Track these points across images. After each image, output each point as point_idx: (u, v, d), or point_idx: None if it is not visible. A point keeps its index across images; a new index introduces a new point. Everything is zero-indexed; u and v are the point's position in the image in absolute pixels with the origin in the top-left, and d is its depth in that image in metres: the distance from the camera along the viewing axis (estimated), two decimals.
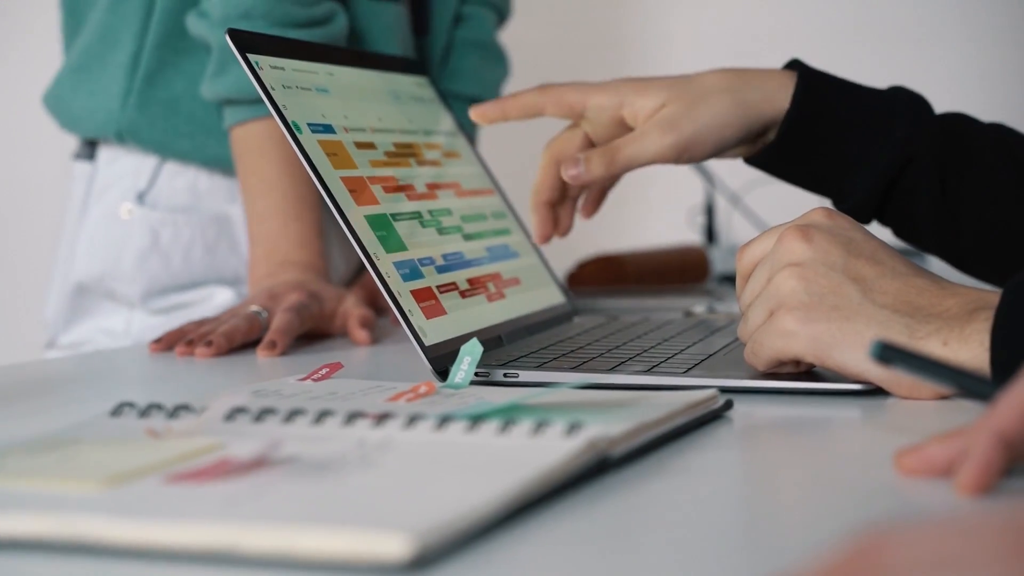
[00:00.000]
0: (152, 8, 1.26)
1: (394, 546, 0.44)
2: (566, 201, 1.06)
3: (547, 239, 1.05)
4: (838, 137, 0.99)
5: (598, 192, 1.08)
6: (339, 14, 1.22)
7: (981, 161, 0.99)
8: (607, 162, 0.98)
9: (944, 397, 0.73)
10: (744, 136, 0.98)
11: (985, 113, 1.02)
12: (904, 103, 0.99)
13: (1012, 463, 0.53)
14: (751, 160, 1.02)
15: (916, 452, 0.54)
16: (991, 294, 0.72)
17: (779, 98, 0.98)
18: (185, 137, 1.27)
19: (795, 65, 1.01)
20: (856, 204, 1.00)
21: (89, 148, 1.33)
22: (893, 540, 0.32)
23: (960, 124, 1.00)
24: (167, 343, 1.03)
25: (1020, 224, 0.98)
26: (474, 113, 1.02)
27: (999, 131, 1.00)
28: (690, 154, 0.98)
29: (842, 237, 0.75)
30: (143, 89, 1.27)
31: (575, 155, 0.99)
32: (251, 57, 0.87)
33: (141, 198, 1.29)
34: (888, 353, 0.56)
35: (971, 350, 0.70)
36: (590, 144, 1.02)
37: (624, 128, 1.01)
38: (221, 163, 1.27)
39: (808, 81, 0.98)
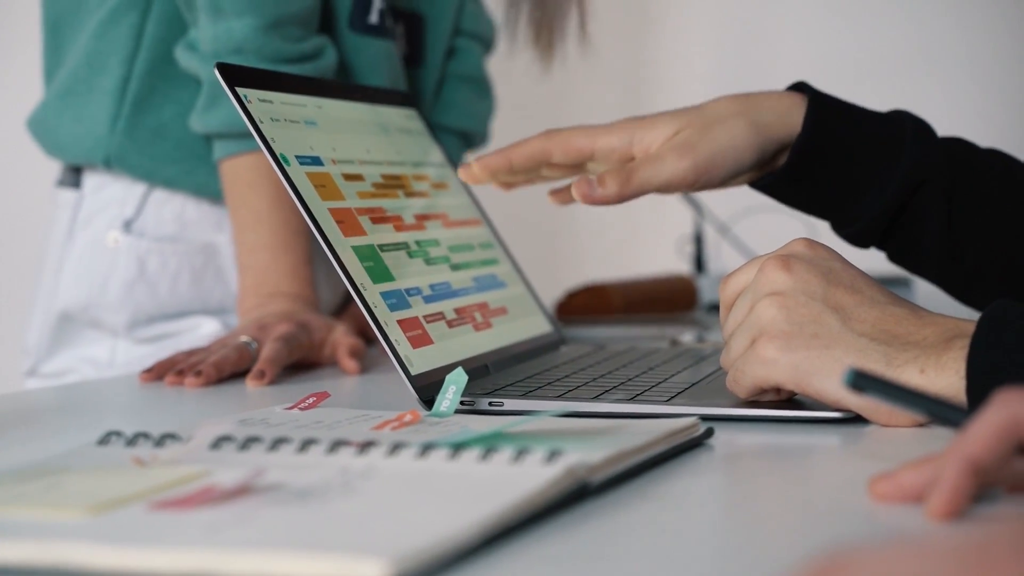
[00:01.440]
0: (142, 34, 1.26)
1: (372, 571, 0.45)
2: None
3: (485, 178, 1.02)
4: (849, 161, 0.98)
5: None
6: (328, 48, 1.23)
7: (986, 188, 0.99)
8: (622, 183, 0.95)
9: (922, 424, 0.74)
10: (760, 158, 0.97)
11: (984, 141, 1.03)
12: (911, 128, 0.99)
13: (982, 489, 0.54)
14: (757, 185, 1.01)
15: (889, 478, 0.55)
16: (967, 323, 0.73)
17: (791, 120, 0.97)
18: (174, 163, 1.26)
19: (801, 87, 1.00)
20: (862, 228, 0.99)
21: (74, 175, 1.32)
22: (852, 562, 0.33)
23: (963, 150, 1.00)
24: (157, 373, 1.03)
25: (1020, 250, 0.98)
26: (477, 166, 1.00)
27: (999, 158, 1.01)
28: (707, 177, 0.96)
29: (822, 267, 0.76)
30: (131, 115, 1.26)
31: (588, 176, 0.96)
32: (240, 91, 0.88)
33: (128, 226, 1.28)
34: (861, 381, 0.57)
35: (947, 378, 0.71)
36: (550, 162, 1.00)
37: None
38: (209, 190, 1.27)
39: (818, 103, 0.98)
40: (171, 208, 1.29)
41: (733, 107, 0.97)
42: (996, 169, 0.99)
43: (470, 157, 1.48)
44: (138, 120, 1.26)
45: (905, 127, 0.99)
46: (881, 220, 0.98)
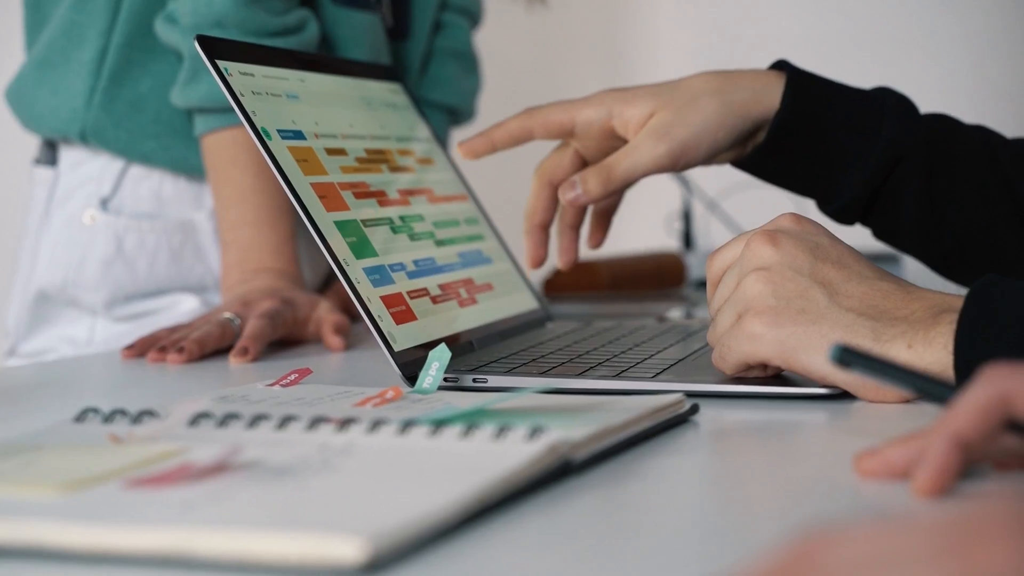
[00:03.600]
0: (119, 6, 1.24)
1: (348, 549, 0.44)
2: (566, 230, 1.04)
3: (540, 263, 1.03)
4: (828, 137, 0.98)
5: (601, 218, 1.06)
6: (311, 21, 1.21)
7: (966, 163, 0.98)
8: (604, 179, 0.97)
9: (910, 400, 0.74)
10: (736, 138, 0.97)
11: (976, 119, 1.02)
12: (891, 104, 0.98)
13: (968, 465, 0.53)
14: (739, 163, 1.01)
15: (875, 455, 0.55)
16: (955, 297, 0.72)
17: (768, 98, 0.97)
18: (150, 138, 1.25)
19: (781, 65, 1.00)
20: (844, 204, 0.99)
21: (50, 152, 1.31)
22: (832, 540, 0.32)
23: (945, 125, 1.00)
24: (139, 349, 1.02)
25: (1001, 227, 0.98)
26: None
27: (983, 133, 1.00)
28: (686, 160, 0.97)
29: (809, 242, 0.76)
30: (108, 88, 1.25)
31: (570, 178, 0.98)
32: (221, 64, 0.87)
33: (105, 204, 1.27)
34: (847, 356, 0.56)
35: (935, 353, 0.70)
36: (581, 161, 1.01)
37: (615, 140, 0.99)
38: (187, 166, 1.26)
39: (796, 81, 0.97)
40: (148, 185, 1.28)
41: (709, 85, 0.97)
42: (976, 145, 0.99)
43: (456, 133, 1.47)
44: (115, 93, 1.25)
45: (885, 104, 0.98)
46: (862, 197, 0.98)
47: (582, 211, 1.04)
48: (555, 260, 1.53)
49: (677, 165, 0.97)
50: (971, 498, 0.51)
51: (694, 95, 0.96)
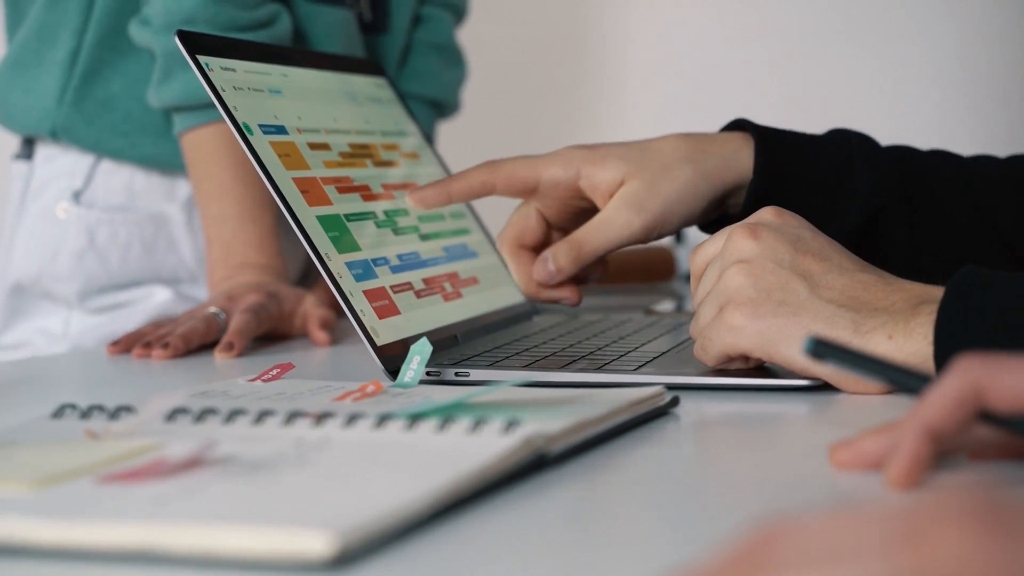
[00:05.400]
0: (92, 7, 1.26)
1: (316, 544, 0.44)
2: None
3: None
4: (803, 197, 0.95)
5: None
6: (282, 15, 1.22)
7: (941, 197, 0.97)
8: (575, 256, 0.94)
9: (891, 391, 0.74)
10: (708, 205, 0.95)
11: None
12: (858, 150, 0.96)
13: (943, 456, 0.53)
14: (707, 227, 0.98)
15: (849, 446, 0.55)
16: (936, 289, 0.72)
17: (739, 164, 0.94)
18: (120, 136, 1.26)
19: (742, 124, 0.97)
20: None
21: (28, 147, 1.32)
22: (786, 532, 0.32)
23: (911, 161, 0.98)
24: (125, 345, 1.02)
25: (986, 255, 0.97)
26: (413, 198, 0.95)
27: (946, 161, 0.99)
28: (659, 231, 0.94)
29: (790, 234, 0.76)
30: (80, 87, 1.26)
31: (542, 254, 0.95)
32: (201, 59, 0.87)
33: (77, 197, 1.29)
34: (821, 349, 0.56)
35: (915, 344, 0.70)
36: (545, 221, 0.98)
37: (579, 198, 0.96)
38: (157, 162, 1.27)
39: (765, 144, 0.95)
40: (120, 178, 1.29)
41: (680, 151, 0.94)
42: (947, 178, 0.97)
43: (442, 127, 1.47)
44: (86, 92, 1.27)
45: (852, 153, 0.96)
46: (847, 245, 0.97)
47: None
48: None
49: (650, 237, 0.94)
50: (931, 489, 0.51)
51: (665, 163, 0.93)
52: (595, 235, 0.94)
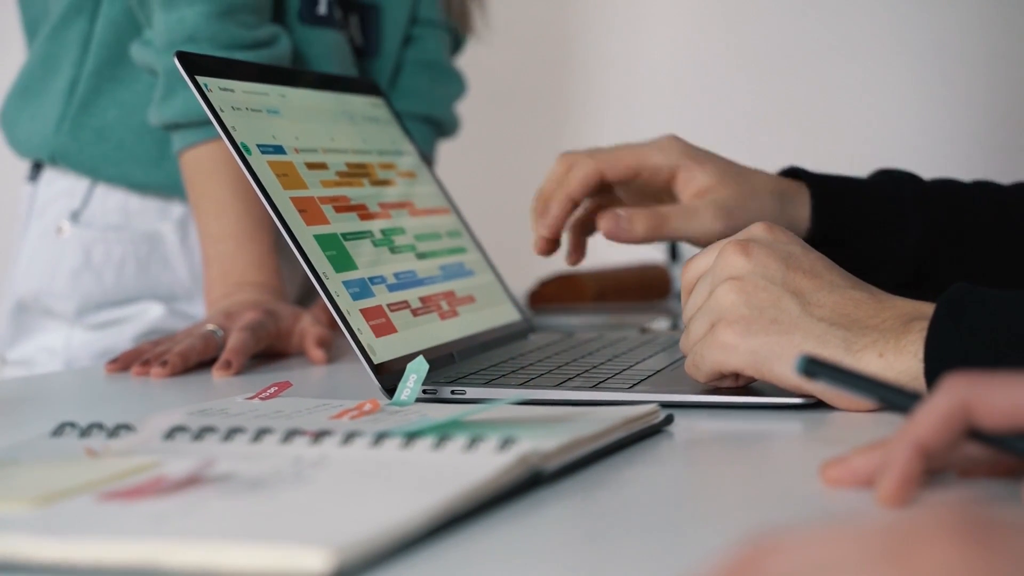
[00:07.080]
0: (90, 39, 1.30)
1: (314, 561, 0.45)
2: (577, 227, 1.06)
3: (550, 250, 1.04)
4: (855, 246, 1.01)
5: (580, 235, 1.08)
6: (282, 36, 1.24)
7: (989, 235, 1.02)
8: (653, 227, 0.97)
9: (883, 409, 0.74)
10: None
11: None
12: (907, 193, 1.01)
13: (932, 473, 0.54)
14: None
15: (840, 463, 0.55)
16: (926, 306, 0.73)
17: (798, 211, 1.01)
18: (112, 164, 1.31)
19: (796, 172, 1.02)
20: None
21: (36, 170, 1.37)
22: (774, 548, 0.33)
23: (956, 197, 1.02)
24: (123, 363, 1.03)
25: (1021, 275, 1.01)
26: (542, 228, 1.01)
27: (988, 194, 1.03)
28: None
29: (781, 251, 0.76)
30: (77, 115, 1.31)
31: (615, 210, 0.98)
32: (200, 79, 0.87)
33: (76, 217, 1.33)
34: (813, 367, 0.57)
35: (906, 361, 0.71)
36: (605, 181, 1.01)
37: (661, 189, 1.00)
38: (149, 188, 1.32)
39: (821, 195, 1.00)
40: (115, 199, 1.33)
41: (772, 184, 1.00)
42: (994, 216, 1.02)
43: (443, 146, 1.48)
44: (83, 121, 1.31)
45: (903, 193, 1.01)
46: (900, 287, 1.00)
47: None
48: (537, 271, 1.54)
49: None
50: (921, 506, 0.52)
51: (758, 189, 0.99)
52: (680, 218, 0.97)
